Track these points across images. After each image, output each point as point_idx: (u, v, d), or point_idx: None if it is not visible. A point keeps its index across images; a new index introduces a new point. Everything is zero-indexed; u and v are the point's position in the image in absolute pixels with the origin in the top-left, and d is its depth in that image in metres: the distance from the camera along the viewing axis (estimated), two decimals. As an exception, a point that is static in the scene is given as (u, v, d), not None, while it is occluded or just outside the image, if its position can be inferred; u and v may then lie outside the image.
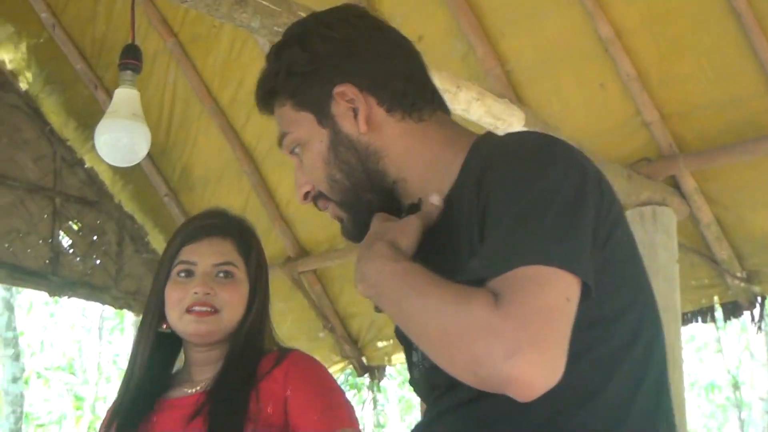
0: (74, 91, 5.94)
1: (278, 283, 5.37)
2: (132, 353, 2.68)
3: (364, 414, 18.61)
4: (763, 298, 4.75)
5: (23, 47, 5.85)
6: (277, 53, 2.05)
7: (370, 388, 15.53)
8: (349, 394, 17.73)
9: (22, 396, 14.64)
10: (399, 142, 1.98)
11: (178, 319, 2.53)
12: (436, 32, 4.76)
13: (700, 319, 4.79)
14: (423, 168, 1.95)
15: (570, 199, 1.73)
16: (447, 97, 3.40)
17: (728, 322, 4.96)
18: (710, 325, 5.09)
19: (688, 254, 4.56)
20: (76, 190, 6.09)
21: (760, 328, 4.90)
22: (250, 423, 2.49)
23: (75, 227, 6.14)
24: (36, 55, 5.87)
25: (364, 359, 5.78)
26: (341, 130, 1.96)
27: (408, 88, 2.00)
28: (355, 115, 1.97)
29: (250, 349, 2.60)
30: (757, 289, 4.72)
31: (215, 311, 2.52)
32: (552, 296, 1.66)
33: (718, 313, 4.82)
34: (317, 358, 5.53)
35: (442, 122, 2.01)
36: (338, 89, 1.97)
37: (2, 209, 5.73)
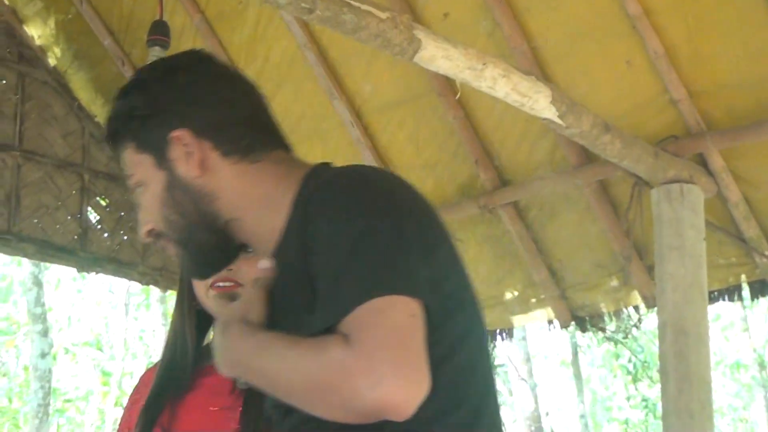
0: (102, 67, 5.93)
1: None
2: (170, 329, 2.74)
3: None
4: (791, 278, 4.69)
5: (52, 23, 5.84)
6: (121, 96, 2.13)
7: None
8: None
9: (50, 371, 14.71)
10: (233, 184, 2.06)
11: (204, 296, 2.54)
12: (463, 10, 4.72)
13: (726, 297, 4.74)
14: (256, 207, 2.03)
15: (388, 231, 1.84)
16: (473, 75, 3.44)
17: (755, 301, 4.89)
18: (737, 304, 5.08)
19: (716, 232, 4.50)
20: (104, 166, 6.09)
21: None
22: None
23: (103, 203, 6.14)
24: (64, 31, 5.87)
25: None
26: (177, 173, 2.04)
27: (245, 132, 2.09)
28: (190, 160, 2.05)
29: None
30: (784, 266, 4.67)
31: (238, 285, 2.53)
32: (396, 319, 1.76)
33: (745, 291, 4.75)
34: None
35: (279, 160, 2.09)
36: (174, 134, 2.05)
37: (31, 185, 5.74)
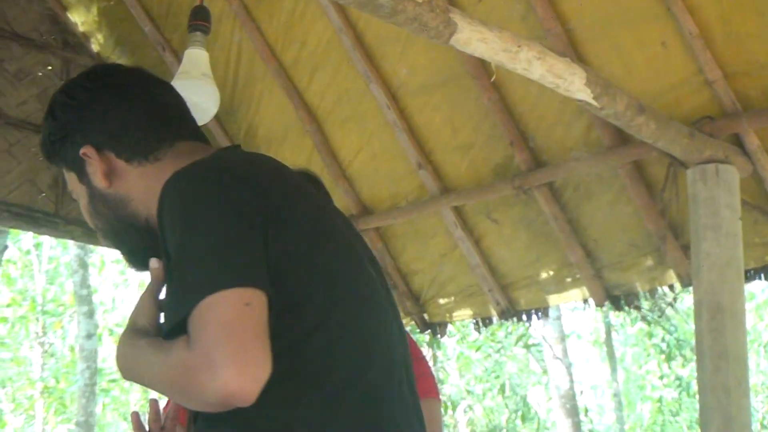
0: (143, 53, 5.95)
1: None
2: None
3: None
4: (827, 256, 4.64)
5: (94, 9, 5.87)
6: (43, 123, 2.33)
7: (430, 344, 15.63)
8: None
9: (95, 352, 14.87)
10: (140, 185, 2.20)
11: None
12: (497, -7, 4.71)
13: (762, 276, 4.69)
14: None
15: (213, 227, 1.93)
16: (508, 57, 3.41)
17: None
18: (772, 283, 5.07)
19: (751, 212, 4.46)
20: (147, 150, 6.10)
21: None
22: None
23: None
24: (106, 17, 5.89)
25: (425, 316, 5.76)
26: (94, 185, 2.23)
27: (141, 135, 2.22)
28: (98, 172, 2.22)
29: None
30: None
31: None
32: (228, 312, 1.84)
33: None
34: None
35: (180, 153, 2.21)
36: (82, 151, 2.22)
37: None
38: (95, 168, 2.22)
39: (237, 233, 1.92)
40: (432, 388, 2.71)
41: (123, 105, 2.24)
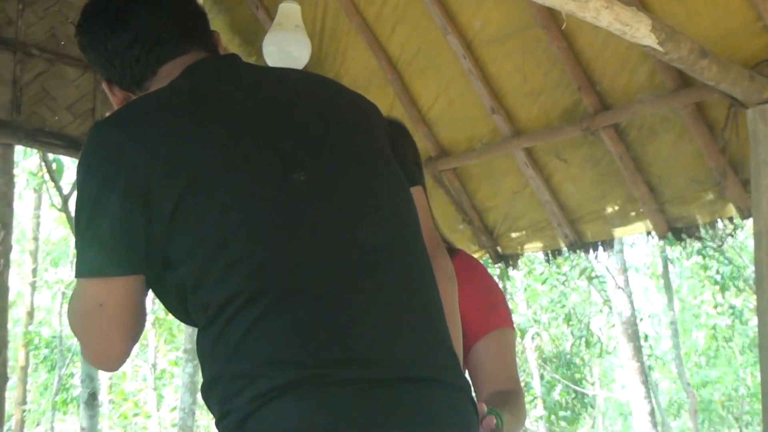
0: (238, 12, 5.99)
1: (423, 180, 5.35)
2: None
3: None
4: None
5: (192, -29, 5.92)
6: None
7: (501, 277, 15.65)
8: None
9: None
10: None
11: None
12: (566, -54, 4.67)
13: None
14: None
15: (88, 211, 1.88)
16: (578, 6, 3.38)
17: None
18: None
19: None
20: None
21: None
22: None
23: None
24: (203, -22, 5.95)
25: (498, 249, 5.78)
26: None
27: (126, 64, 2.12)
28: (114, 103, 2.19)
29: None
30: None
31: None
32: (85, 306, 1.90)
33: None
34: (457, 248, 5.53)
35: (160, 80, 2.09)
36: (102, 86, 2.22)
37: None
38: (113, 100, 2.20)
39: (108, 218, 1.85)
40: (505, 318, 2.66)
41: (107, 36, 2.13)
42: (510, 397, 2.53)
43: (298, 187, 1.89)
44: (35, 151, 15.51)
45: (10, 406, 20.99)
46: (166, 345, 23.14)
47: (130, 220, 1.84)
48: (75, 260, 1.89)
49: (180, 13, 2.17)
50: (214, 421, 1.86)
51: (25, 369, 22.30)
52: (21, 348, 22.00)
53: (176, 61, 2.10)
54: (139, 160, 1.84)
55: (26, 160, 19.65)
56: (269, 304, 1.79)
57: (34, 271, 22.33)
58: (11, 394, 21.43)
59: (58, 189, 14.02)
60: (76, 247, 1.89)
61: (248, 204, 1.85)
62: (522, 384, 2.73)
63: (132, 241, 1.85)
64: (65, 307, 23.23)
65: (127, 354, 1.89)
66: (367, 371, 1.80)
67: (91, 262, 1.86)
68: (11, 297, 17.14)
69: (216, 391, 1.83)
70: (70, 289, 22.06)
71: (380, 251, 1.94)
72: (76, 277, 1.88)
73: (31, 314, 22.46)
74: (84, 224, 1.87)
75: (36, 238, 22.34)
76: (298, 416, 1.75)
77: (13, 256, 10.68)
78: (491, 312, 2.60)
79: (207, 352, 1.86)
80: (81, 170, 1.90)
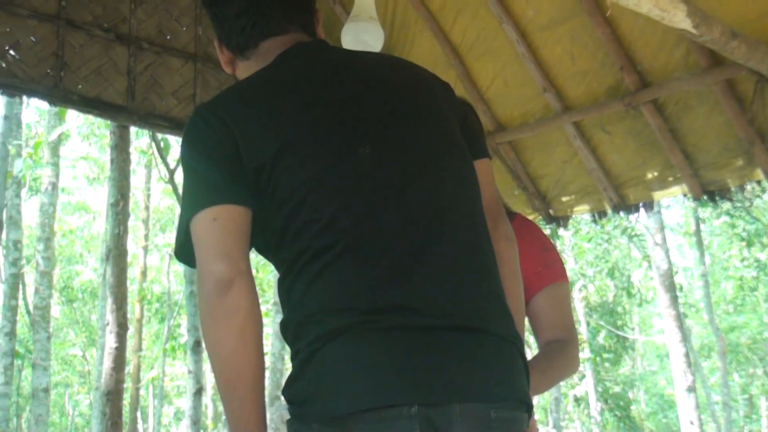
0: (318, 6, 6.00)
1: (482, 152, 5.34)
2: None
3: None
4: None
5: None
6: None
7: (552, 235, 15.56)
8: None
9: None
10: (243, 75, 2.15)
11: None
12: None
13: None
14: None
15: (192, 161, 1.94)
16: (620, -6, 3.36)
17: None
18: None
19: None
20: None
21: None
22: None
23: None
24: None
25: (550, 211, 5.75)
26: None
27: (234, 31, 2.14)
28: (222, 61, 2.23)
29: None
30: None
31: None
32: (200, 231, 1.87)
33: None
34: (514, 211, 5.51)
35: (259, 54, 2.13)
36: (215, 43, 2.24)
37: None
38: (221, 57, 2.21)
39: (206, 167, 1.90)
40: (559, 273, 2.61)
41: (223, 10, 2.15)
42: (560, 346, 2.51)
43: (365, 159, 1.91)
44: (145, 131, 15.71)
45: (128, 353, 21.39)
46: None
47: (225, 164, 1.90)
48: (187, 207, 1.92)
49: None
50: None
51: (140, 321, 22.69)
52: (136, 303, 22.37)
53: (275, 39, 2.12)
54: (221, 134, 1.92)
55: (138, 140, 19.89)
56: (330, 259, 1.82)
57: (146, 236, 22.66)
58: (129, 343, 21.81)
59: (165, 164, 14.18)
60: (186, 200, 1.92)
61: (320, 175, 1.88)
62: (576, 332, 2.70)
63: (230, 177, 1.89)
64: (173, 266, 23.59)
65: (236, 272, 1.82)
66: (415, 318, 1.79)
67: (201, 199, 1.88)
68: (127, 258, 17.45)
69: (288, 334, 1.87)
70: (176, 251, 22.37)
71: (436, 214, 1.92)
72: (190, 217, 1.89)
73: (144, 273, 22.82)
74: (189, 184, 1.93)
75: (147, 208, 22.65)
76: (352, 357, 1.75)
77: (129, 223, 10.84)
78: (546, 268, 2.56)
79: (283, 300, 1.90)
80: (182, 145, 1.99)
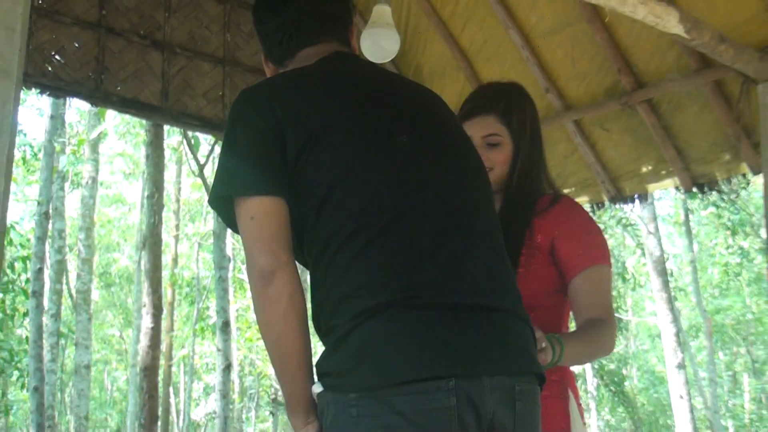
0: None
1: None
2: None
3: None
4: None
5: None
6: None
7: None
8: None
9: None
10: None
11: None
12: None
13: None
14: None
15: (234, 145, 1.92)
16: (618, 2, 3.35)
17: None
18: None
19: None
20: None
21: None
22: (524, 249, 2.42)
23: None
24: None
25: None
26: None
27: (274, 44, 2.14)
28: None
29: (523, 194, 2.51)
30: None
31: (490, 169, 2.46)
32: (244, 222, 1.86)
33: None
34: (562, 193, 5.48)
35: (298, 60, 2.12)
36: (261, 58, 2.22)
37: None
38: (266, 70, 2.20)
39: (248, 150, 1.89)
40: (599, 256, 2.47)
41: (265, 18, 2.16)
42: (595, 324, 2.40)
43: (402, 147, 1.92)
44: (177, 130, 15.73)
45: (162, 333, 21.48)
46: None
47: (266, 151, 1.89)
48: (222, 188, 1.92)
49: (321, 7, 2.17)
50: (319, 337, 1.88)
51: (171, 304, 22.74)
52: (168, 287, 22.42)
53: (311, 48, 2.12)
54: (268, 121, 1.90)
55: (169, 138, 19.93)
56: (369, 238, 1.80)
57: (177, 227, 22.71)
58: (162, 324, 21.88)
59: (196, 160, 14.20)
60: (224, 179, 1.91)
61: (359, 156, 1.88)
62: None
63: (270, 167, 1.87)
64: (201, 254, 23.64)
65: (267, 269, 1.82)
66: (450, 297, 1.79)
67: (241, 184, 1.87)
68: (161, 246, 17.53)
69: (324, 311, 1.84)
70: (204, 240, 22.43)
71: (465, 203, 1.93)
72: (234, 197, 1.88)
73: (175, 260, 22.87)
74: (230, 157, 1.93)
75: (178, 200, 22.70)
76: (391, 332, 1.74)
77: (162, 214, 10.88)
78: (588, 251, 2.44)
79: (318, 281, 1.86)
80: (229, 121, 1.98)
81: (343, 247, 1.81)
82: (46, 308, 13.63)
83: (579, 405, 2.48)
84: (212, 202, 1.93)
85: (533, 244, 2.43)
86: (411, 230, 1.83)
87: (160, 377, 22.20)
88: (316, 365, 1.83)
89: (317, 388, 1.82)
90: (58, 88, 4.80)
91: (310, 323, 1.91)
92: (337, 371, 1.78)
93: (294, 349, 1.83)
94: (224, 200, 1.90)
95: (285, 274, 1.82)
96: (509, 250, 2.17)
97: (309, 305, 1.90)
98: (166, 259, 22.92)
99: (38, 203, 12.39)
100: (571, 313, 2.53)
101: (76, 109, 25.35)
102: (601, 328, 2.39)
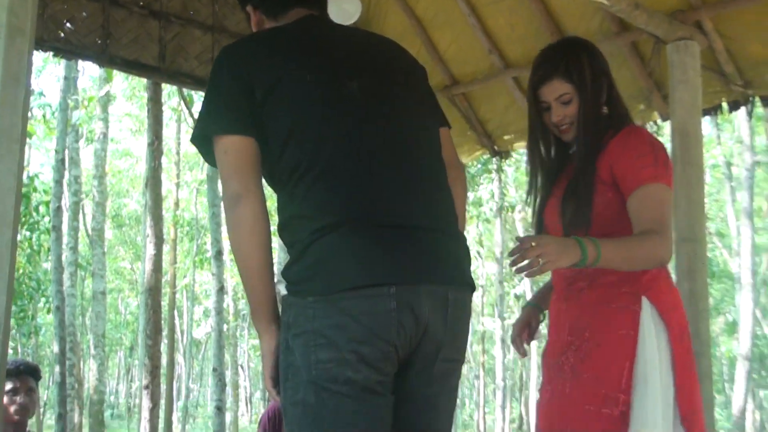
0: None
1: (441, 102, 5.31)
2: (531, 161, 2.62)
3: (493, 186, 18.70)
4: (754, 97, 4.52)
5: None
6: None
7: (498, 170, 15.55)
8: (483, 172, 17.54)
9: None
10: None
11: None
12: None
13: (712, 112, 4.63)
14: None
15: (213, 93, 1.91)
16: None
17: (732, 113, 4.79)
18: (719, 117, 5.00)
19: (707, 71, 4.36)
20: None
21: (750, 116, 4.74)
22: (596, 185, 2.37)
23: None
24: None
25: (495, 147, 5.76)
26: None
27: (267, 3, 2.10)
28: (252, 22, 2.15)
29: (592, 137, 2.44)
30: (750, 91, 4.51)
31: (570, 124, 2.46)
32: (221, 155, 1.86)
33: (725, 108, 4.63)
34: (467, 147, 5.46)
35: (287, 17, 2.07)
36: (246, 8, 2.16)
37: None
38: (252, 18, 2.16)
39: (224, 98, 1.89)
40: (649, 177, 2.31)
41: None
42: (641, 234, 2.27)
43: (352, 93, 1.93)
44: (174, 89, 15.52)
45: (165, 264, 21.47)
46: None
47: (238, 98, 1.88)
48: (202, 128, 1.91)
49: None
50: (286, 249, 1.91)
51: (174, 240, 22.65)
52: (171, 226, 22.33)
53: (301, 9, 2.11)
54: (239, 67, 1.91)
55: (170, 100, 19.71)
56: (323, 170, 1.84)
57: (177, 175, 22.56)
58: (166, 258, 21.83)
59: (191, 116, 14.06)
60: (204, 121, 1.91)
61: (315, 101, 1.89)
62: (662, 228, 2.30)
63: (241, 112, 1.88)
64: (199, 198, 23.51)
65: (244, 191, 1.83)
66: (392, 219, 1.82)
67: (217, 125, 1.88)
68: (163, 192, 17.44)
69: (288, 228, 1.88)
70: (201, 185, 22.29)
71: (407, 139, 1.96)
72: (211, 136, 1.88)
73: (177, 204, 22.75)
74: (210, 102, 1.93)
75: (178, 153, 22.52)
76: (342, 247, 1.78)
77: (163, 165, 10.82)
78: (636, 173, 2.33)
79: (284, 203, 1.89)
80: (211, 74, 1.98)
81: (303, 177, 1.84)
82: (65, 243, 13.63)
83: (671, 318, 2.32)
84: (194, 140, 1.95)
85: (599, 180, 2.38)
86: (360, 162, 1.86)
87: (166, 302, 22.21)
88: (281, 273, 1.86)
89: (282, 290, 1.85)
90: (70, 51, 4.75)
91: (278, 239, 1.94)
92: (297, 279, 1.83)
93: (257, 264, 1.85)
94: (204, 139, 1.92)
95: (251, 199, 1.84)
96: (582, 192, 2.17)
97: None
98: (169, 203, 22.77)
99: (56, 151, 12.49)
100: None
101: (89, 76, 24.95)
102: (645, 238, 2.24)
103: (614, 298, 2.32)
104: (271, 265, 1.88)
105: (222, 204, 1.91)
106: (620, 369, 2.23)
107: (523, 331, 2.64)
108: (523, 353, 2.67)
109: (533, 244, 2.03)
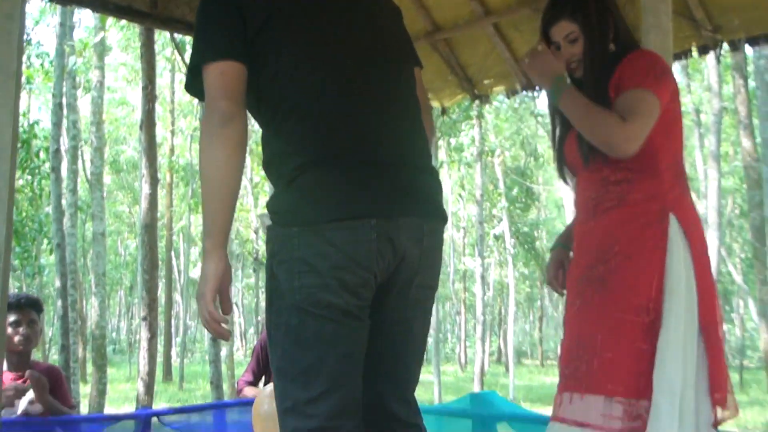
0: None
1: (421, 49, 5.27)
2: (552, 113, 2.64)
3: (474, 132, 18.68)
4: (722, 42, 4.48)
5: None
6: None
7: (479, 116, 15.49)
8: (464, 119, 17.46)
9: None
10: None
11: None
12: None
13: (683, 57, 4.58)
14: None
15: (206, 23, 1.87)
16: None
17: (702, 57, 4.76)
18: (689, 61, 4.97)
19: (678, 16, 4.32)
20: None
21: (719, 60, 4.73)
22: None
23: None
24: None
25: (476, 91, 5.73)
26: None
27: None
28: None
29: (597, 70, 2.45)
30: (719, 36, 4.47)
31: (579, 61, 2.48)
32: (211, 78, 1.81)
33: (695, 53, 4.60)
34: (448, 92, 5.39)
35: None
36: None
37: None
38: None
39: (218, 26, 1.86)
40: (631, 84, 2.37)
41: None
42: (610, 112, 2.31)
43: (339, 32, 1.94)
44: (170, 42, 15.29)
45: (162, 208, 21.47)
46: (258, 165, 23.22)
47: (231, 27, 1.86)
48: (198, 58, 1.88)
49: None
50: (270, 182, 1.91)
51: (170, 185, 22.64)
52: (167, 171, 22.26)
53: None
54: (232, 4, 1.87)
55: (165, 50, 19.45)
56: (309, 107, 1.84)
57: (172, 122, 22.38)
58: (163, 201, 21.81)
59: (184, 62, 13.87)
60: (199, 50, 1.88)
61: (304, 39, 1.89)
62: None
63: (235, 38, 1.86)
64: (194, 144, 23.36)
65: (236, 110, 1.81)
66: (372, 156, 1.84)
67: (213, 51, 1.85)
68: (159, 140, 17.35)
69: (274, 161, 1.89)
70: (195, 132, 22.14)
71: (390, 83, 1.97)
72: (207, 62, 1.85)
73: (172, 150, 22.64)
74: (204, 31, 1.89)
75: (172, 101, 22.31)
76: (325, 181, 1.80)
77: (158, 113, 10.70)
78: (629, 81, 2.36)
79: (269, 139, 1.89)
80: (201, 6, 1.94)
81: (290, 113, 1.84)
82: (65, 186, 13.57)
83: (696, 239, 2.34)
84: (191, 70, 1.91)
85: (611, 103, 2.37)
86: (345, 101, 1.87)
87: (163, 244, 22.23)
88: (267, 204, 1.87)
89: (267, 221, 1.84)
90: (64, -2, 4.64)
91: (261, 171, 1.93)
92: (283, 210, 1.84)
93: (229, 181, 1.82)
94: (199, 69, 1.88)
95: (241, 121, 1.83)
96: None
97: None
98: (165, 149, 22.66)
99: (53, 95, 12.40)
100: (665, 160, 2.39)
101: (84, 27, 24.54)
102: (608, 115, 2.29)
103: (642, 213, 2.34)
104: (238, 193, 1.88)
105: (202, 126, 1.88)
106: (650, 280, 2.26)
107: (558, 272, 2.65)
108: (562, 293, 2.64)
109: (526, 60, 2.44)
